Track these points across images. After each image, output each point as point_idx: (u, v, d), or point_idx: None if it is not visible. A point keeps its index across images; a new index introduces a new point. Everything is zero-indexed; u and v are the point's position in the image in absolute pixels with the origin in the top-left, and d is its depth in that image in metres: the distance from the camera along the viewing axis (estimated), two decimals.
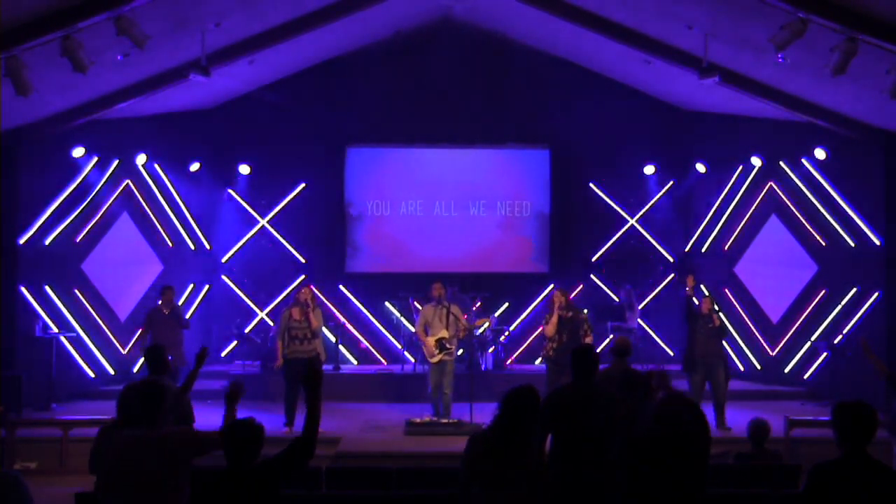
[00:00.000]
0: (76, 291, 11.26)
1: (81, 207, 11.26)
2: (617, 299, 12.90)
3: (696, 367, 9.24)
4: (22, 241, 10.55)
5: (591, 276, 13.36)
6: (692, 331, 9.35)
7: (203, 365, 5.21)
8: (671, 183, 13.38)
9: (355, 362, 13.02)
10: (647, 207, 13.45)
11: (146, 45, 7.84)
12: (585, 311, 9.88)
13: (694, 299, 9.70)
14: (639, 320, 12.67)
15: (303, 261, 13.17)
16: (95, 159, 11.39)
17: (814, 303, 11.63)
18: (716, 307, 9.51)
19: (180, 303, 12.36)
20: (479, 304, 12.66)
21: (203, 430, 4.25)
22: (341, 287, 13.19)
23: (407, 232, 13.31)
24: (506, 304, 13.08)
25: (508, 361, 12.62)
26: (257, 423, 3.81)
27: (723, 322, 9.43)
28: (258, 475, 3.67)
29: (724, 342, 9.57)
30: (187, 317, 12.43)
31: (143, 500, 3.91)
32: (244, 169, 12.85)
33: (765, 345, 12.31)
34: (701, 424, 3.78)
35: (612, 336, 12.08)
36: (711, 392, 9.26)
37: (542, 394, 5.77)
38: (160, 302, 10.22)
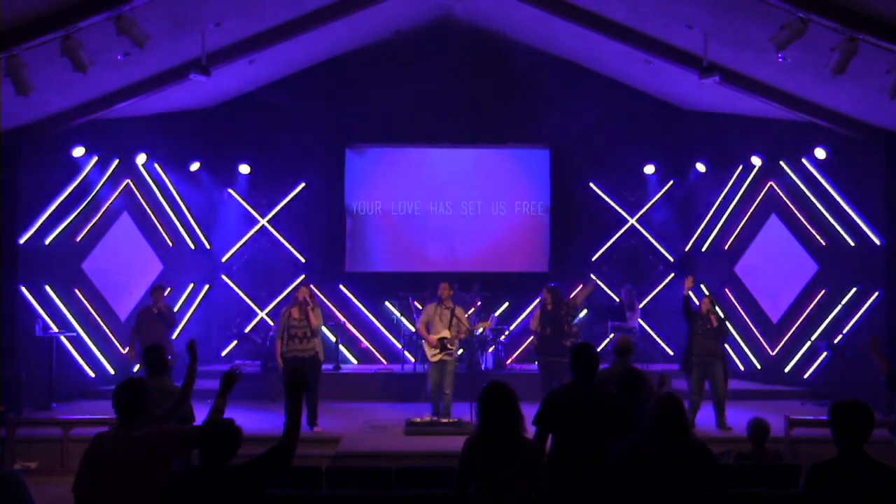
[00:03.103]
0: (76, 291, 11.27)
1: (81, 207, 11.26)
2: (617, 299, 12.90)
3: (693, 367, 9.23)
4: (22, 240, 10.55)
5: (591, 275, 13.34)
6: (691, 331, 9.35)
7: (197, 357, 5.09)
8: (671, 183, 13.38)
9: (355, 362, 13.02)
10: (647, 207, 13.46)
11: (146, 45, 7.84)
12: (583, 312, 10.13)
13: (693, 298, 9.70)
14: (639, 320, 12.67)
15: (303, 261, 13.18)
16: (95, 159, 11.40)
17: (814, 302, 11.63)
18: (715, 307, 9.50)
19: (180, 303, 12.41)
20: (479, 303, 12.65)
21: (183, 426, 4.20)
22: (341, 287, 13.19)
23: (407, 232, 13.31)
24: (506, 304, 13.09)
25: (508, 361, 12.62)
26: (235, 426, 3.78)
27: (721, 322, 9.41)
28: (232, 477, 3.64)
29: (723, 342, 9.54)
30: (187, 316, 12.50)
31: (123, 500, 3.87)
32: (244, 169, 12.86)
33: (765, 344, 12.31)
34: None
35: (612, 336, 12.09)
36: (711, 392, 9.25)
37: (540, 392, 5.76)
38: (151, 301, 10.31)
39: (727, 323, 9.73)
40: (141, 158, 12.03)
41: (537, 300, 12.99)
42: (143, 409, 4.11)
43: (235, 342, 12.79)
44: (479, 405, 4.04)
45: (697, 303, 9.73)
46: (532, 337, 10.13)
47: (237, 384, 4.43)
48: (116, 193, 11.78)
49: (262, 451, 3.80)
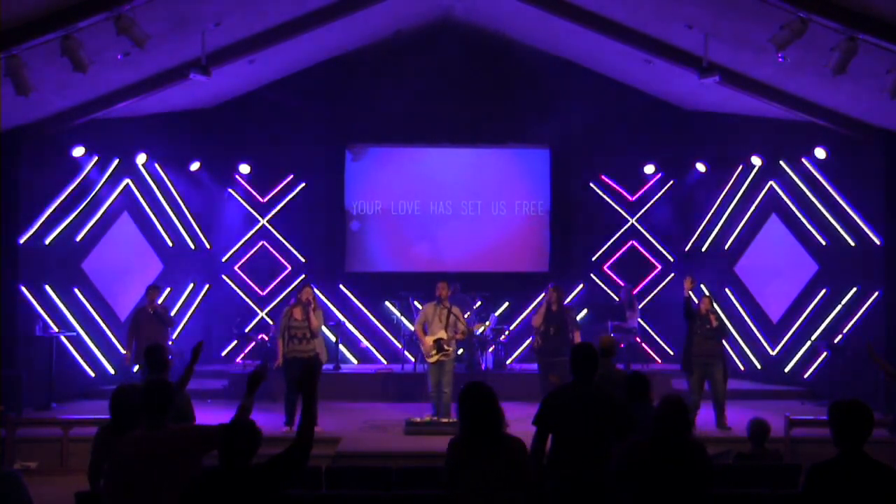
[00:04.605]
0: (76, 291, 11.26)
1: (81, 207, 11.27)
2: (617, 299, 12.90)
3: (693, 367, 9.23)
4: (22, 240, 10.55)
5: (591, 275, 13.36)
6: (690, 331, 9.35)
7: (198, 360, 5.12)
8: (671, 183, 13.38)
9: (355, 362, 13.02)
10: (647, 207, 13.46)
11: (146, 45, 7.84)
12: (582, 312, 10.18)
13: (693, 297, 9.69)
14: (639, 320, 12.67)
15: (303, 261, 13.18)
16: (95, 159, 11.40)
17: (814, 302, 11.63)
18: (714, 307, 9.50)
19: (180, 303, 12.41)
20: (479, 303, 12.65)
21: (207, 424, 4.21)
22: (341, 287, 13.19)
23: (407, 231, 13.31)
24: (506, 304, 13.09)
25: (508, 361, 12.62)
26: (256, 427, 3.79)
27: (721, 322, 9.40)
28: (253, 477, 3.65)
29: (723, 342, 9.53)
30: (187, 316, 12.50)
31: (153, 500, 3.88)
32: (244, 168, 12.86)
33: (765, 344, 12.31)
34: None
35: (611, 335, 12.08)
36: (711, 392, 9.25)
37: (540, 393, 5.75)
38: (147, 302, 10.33)
39: (727, 323, 9.72)
40: (141, 158, 12.03)
41: (538, 299, 13.06)
42: (170, 410, 4.13)
43: (235, 342, 12.78)
44: (460, 406, 4.08)
45: (697, 303, 9.72)
46: (532, 339, 10.10)
47: (264, 380, 4.47)
48: (116, 193, 11.78)
49: (260, 449, 3.80)
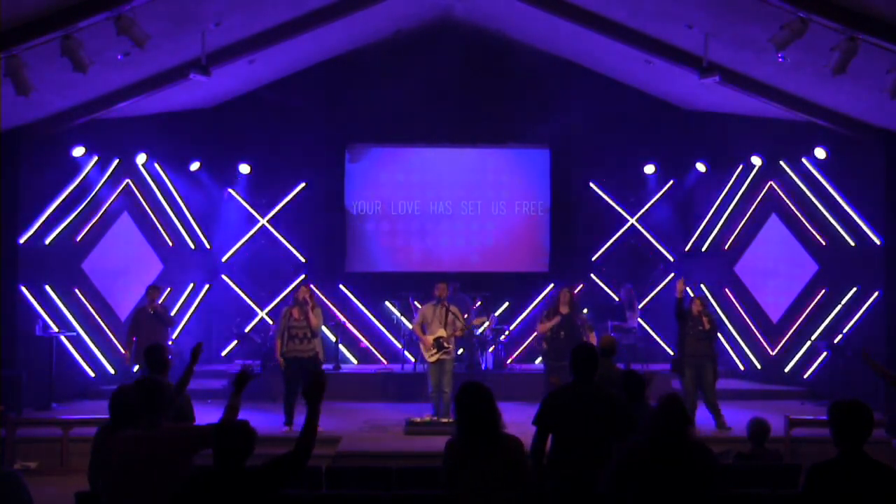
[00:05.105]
0: (76, 291, 11.26)
1: (81, 207, 11.26)
2: (617, 299, 12.90)
3: (685, 368, 9.22)
4: (22, 240, 10.55)
5: (591, 275, 13.36)
6: (682, 332, 9.33)
7: (198, 361, 5.13)
8: (671, 183, 13.38)
9: (355, 362, 13.02)
10: (647, 207, 13.46)
11: (146, 45, 7.84)
12: (585, 310, 10.07)
13: (691, 293, 9.66)
14: (639, 320, 12.66)
15: (303, 261, 13.18)
16: (95, 159, 11.40)
17: (814, 302, 11.63)
18: (707, 309, 9.46)
19: (180, 303, 12.42)
20: (479, 303, 12.65)
21: (202, 424, 4.22)
22: (341, 287, 13.19)
23: (407, 231, 13.32)
24: (506, 304, 13.08)
25: (508, 361, 12.61)
26: (250, 428, 3.79)
27: (713, 324, 9.38)
28: (248, 479, 3.65)
29: (715, 342, 9.49)
30: (187, 316, 12.50)
31: (151, 499, 3.89)
32: (244, 168, 12.85)
33: (765, 344, 12.31)
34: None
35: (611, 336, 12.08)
36: (702, 394, 9.24)
37: (544, 394, 5.76)
38: (147, 302, 10.33)
39: (726, 322, 9.69)
40: (141, 158, 12.03)
41: (538, 300, 13.06)
42: (164, 408, 4.14)
43: (235, 342, 12.78)
44: (457, 406, 4.09)
45: (692, 296, 9.70)
46: (534, 337, 10.01)
47: (251, 380, 4.51)
48: (116, 193, 11.77)
49: (260, 450, 3.80)
